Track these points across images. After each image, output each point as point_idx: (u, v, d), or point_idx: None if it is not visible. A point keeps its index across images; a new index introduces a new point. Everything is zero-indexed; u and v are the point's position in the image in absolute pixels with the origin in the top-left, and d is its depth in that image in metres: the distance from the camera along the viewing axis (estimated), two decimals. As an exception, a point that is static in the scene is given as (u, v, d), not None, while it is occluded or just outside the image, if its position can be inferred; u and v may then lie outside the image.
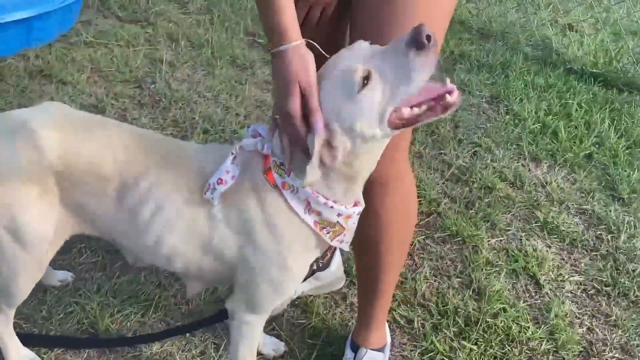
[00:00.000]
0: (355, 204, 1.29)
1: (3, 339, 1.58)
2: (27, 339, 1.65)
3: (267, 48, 1.21)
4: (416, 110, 1.12)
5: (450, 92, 1.12)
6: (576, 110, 3.20)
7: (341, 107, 1.13)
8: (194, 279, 1.43)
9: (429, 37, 1.05)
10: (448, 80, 1.13)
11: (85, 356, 1.69)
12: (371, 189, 1.37)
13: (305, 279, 1.45)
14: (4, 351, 1.59)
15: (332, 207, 1.23)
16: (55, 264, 1.90)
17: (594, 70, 3.58)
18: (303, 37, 1.17)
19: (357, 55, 1.15)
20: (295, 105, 1.13)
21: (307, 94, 1.13)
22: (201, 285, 1.47)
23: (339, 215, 1.25)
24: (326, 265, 1.94)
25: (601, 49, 3.86)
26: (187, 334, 1.79)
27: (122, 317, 1.81)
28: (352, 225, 1.29)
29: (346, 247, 1.34)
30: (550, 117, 3.11)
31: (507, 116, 3.10)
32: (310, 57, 1.16)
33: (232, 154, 1.25)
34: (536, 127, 3.02)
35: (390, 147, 1.25)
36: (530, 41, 3.97)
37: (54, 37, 3.06)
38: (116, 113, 2.67)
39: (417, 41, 1.06)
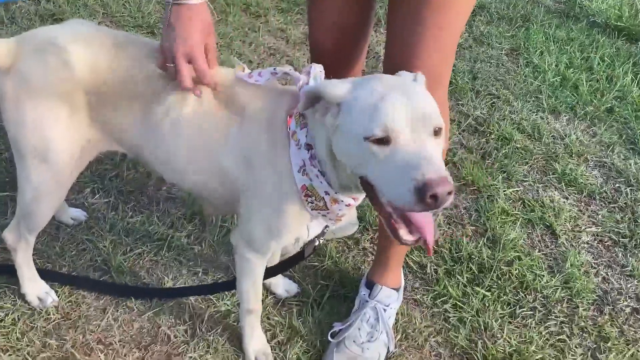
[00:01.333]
0: (353, 198, 1.27)
1: (22, 268, 1.59)
2: (45, 275, 1.66)
3: None
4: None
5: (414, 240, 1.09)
6: (598, 64, 3.11)
7: (349, 126, 1.09)
8: (205, 201, 1.43)
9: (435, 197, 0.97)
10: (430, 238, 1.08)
11: (96, 293, 1.70)
12: None
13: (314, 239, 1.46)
14: (20, 280, 1.61)
15: (321, 182, 1.21)
16: (68, 203, 1.90)
17: (618, 24, 3.46)
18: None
19: (396, 106, 1.05)
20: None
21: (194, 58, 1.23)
22: (213, 209, 1.48)
23: (326, 193, 1.22)
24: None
25: (626, 2, 3.73)
26: (200, 274, 1.79)
27: (135, 256, 1.81)
28: (337, 210, 1.26)
29: (329, 223, 1.34)
30: (571, 70, 3.03)
31: (527, 69, 3.03)
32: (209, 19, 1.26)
33: (274, 71, 1.27)
34: (556, 80, 2.94)
35: (429, 76, 1.23)
36: (553, -6, 3.86)
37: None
38: (128, 58, 2.63)
39: (423, 199, 0.98)
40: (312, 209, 1.27)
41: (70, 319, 1.62)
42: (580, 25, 3.47)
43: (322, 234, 1.46)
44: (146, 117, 1.32)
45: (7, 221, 1.81)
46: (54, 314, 1.62)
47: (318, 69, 1.25)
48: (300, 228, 1.36)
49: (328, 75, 1.57)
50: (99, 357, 1.55)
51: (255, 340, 1.57)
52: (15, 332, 1.56)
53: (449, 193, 0.98)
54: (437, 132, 1.06)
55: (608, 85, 2.96)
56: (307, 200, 1.25)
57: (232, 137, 1.28)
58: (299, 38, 2.96)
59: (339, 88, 1.12)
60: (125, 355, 1.56)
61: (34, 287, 1.63)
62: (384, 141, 1.03)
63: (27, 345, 1.54)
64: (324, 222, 1.35)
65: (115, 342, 1.59)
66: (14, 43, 1.32)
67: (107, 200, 1.98)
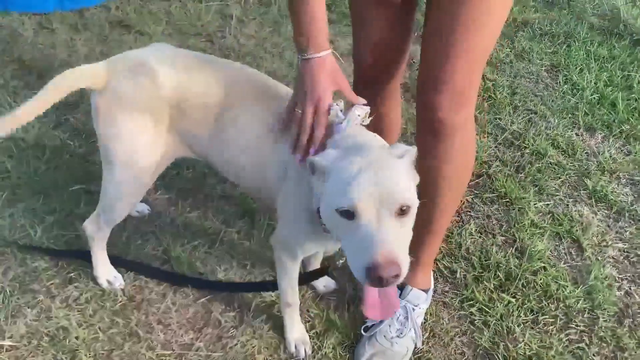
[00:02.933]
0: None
1: (97, 253, 1.81)
2: (114, 261, 1.88)
3: (298, 49, 1.40)
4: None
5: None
6: (638, 82, 3.18)
7: (327, 194, 1.22)
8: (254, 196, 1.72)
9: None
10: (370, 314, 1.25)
11: (156, 280, 1.91)
12: (435, 139, 1.51)
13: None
14: (94, 264, 1.83)
15: None
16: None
17: (663, 43, 3.51)
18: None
19: (364, 186, 1.16)
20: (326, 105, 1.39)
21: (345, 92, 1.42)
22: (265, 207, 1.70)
23: None
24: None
25: (671, 21, 3.76)
26: (248, 266, 1.98)
27: (192, 248, 2.02)
28: None
29: None
30: (609, 88, 3.10)
31: (565, 85, 3.12)
32: (335, 66, 1.39)
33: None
34: (594, 97, 3.03)
35: (455, 100, 1.40)
36: (597, 11, 3.90)
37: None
38: (188, 64, 2.86)
39: (370, 278, 1.10)
40: (324, 230, 1.38)
41: (135, 301, 1.83)
42: (623, 43, 3.53)
43: None
44: (215, 128, 1.52)
45: (81, 210, 2.05)
46: (120, 296, 1.83)
47: (357, 113, 1.39)
48: (320, 242, 1.52)
49: (371, 87, 1.75)
50: (159, 335, 1.75)
51: (295, 330, 1.76)
52: (88, 310, 1.79)
53: (396, 276, 1.09)
54: (404, 212, 1.16)
55: (646, 105, 3.03)
56: (321, 223, 1.35)
57: (277, 152, 1.47)
58: (347, 49, 3.12)
59: (326, 158, 1.26)
60: (181, 336, 1.77)
61: (105, 272, 1.85)
62: (350, 215, 1.15)
63: (99, 322, 1.76)
64: None
65: (173, 324, 1.79)
66: (104, 65, 1.52)
67: (168, 196, 2.19)
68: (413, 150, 1.29)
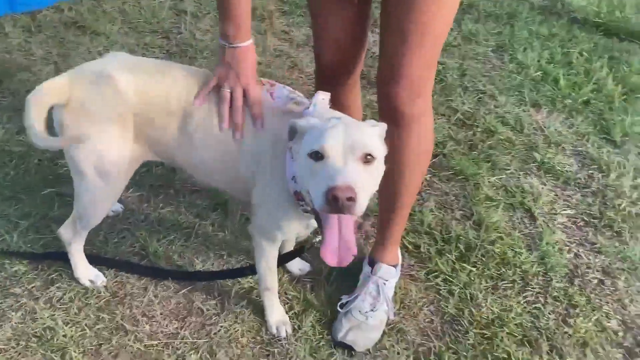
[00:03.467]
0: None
1: (75, 256, 1.86)
2: (94, 260, 1.93)
3: (222, 37, 1.54)
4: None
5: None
6: (577, 58, 3.38)
7: (303, 147, 1.35)
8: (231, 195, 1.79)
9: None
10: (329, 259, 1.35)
11: (137, 275, 1.98)
12: (395, 129, 1.62)
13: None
14: (74, 267, 1.88)
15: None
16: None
17: (597, 20, 3.73)
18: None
19: (333, 134, 1.31)
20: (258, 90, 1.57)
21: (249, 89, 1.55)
22: (238, 201, 1.79)
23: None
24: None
25: (605, -2, 4.00)
26: (225, 256, 2.07)
27: (168, 242, 2.09)
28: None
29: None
30: (552, 65, 3.30)
31: (511, 64, 3.29)
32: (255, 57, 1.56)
33: (291, 97, 1.57)
34: (538, 75, 3.22)
35: (411, 91, 1.52)
36: (537, -9, 4.11)
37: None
38: (147, 62, 2.89)
39: (328, 201, 1.21)
40: (304, 212, 1.53)
41: (118, 297, 1.90)
42: (562, 21, 3.74)
43: None
44: (180, 132, 1.59)
45: (55, 213, 2.09)
46: (103, 293, 1.90)
47: (321, 97, 1.52)
48: (298, 224, 1.63)
49: (332, 80, 1.85)
50: (145, 327, 1.83)
51: (275, 312, 1.86)
52: (73, 308, 1.84)
53: (349, 199, 1.20)
54: (368, 160, 1.30)
55: (585, 79, 3.23)
56: (299, 204, 1.51)
57: (246, 145, 1.57)
58: (302, 40, 3.21)
59: (307, 120, 1.40)
60: (166, 326, 1.84)
61: (86, 272, 1.90)
62: (319, 157, 1.29)
63: (84, 319, 1.82)
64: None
65: (157, 315, 1.87)
66: (67, 79, 1.55)
67: (139, 194, 2.25)
68: (383, 125, 1.44)
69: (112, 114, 1.55)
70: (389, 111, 1.63)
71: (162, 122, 1.58)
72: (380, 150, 1.37)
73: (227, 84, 1.55)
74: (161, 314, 1.88)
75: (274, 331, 1.85)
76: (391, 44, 1.59)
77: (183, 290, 1.94)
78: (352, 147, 1.29)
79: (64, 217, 1.99)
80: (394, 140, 1.63)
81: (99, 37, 2.98)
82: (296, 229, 1.67)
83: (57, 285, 1.90)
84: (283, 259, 1.92)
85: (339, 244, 1.34)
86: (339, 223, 1.32)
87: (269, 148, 1.55)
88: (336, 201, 1.21)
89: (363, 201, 1.25)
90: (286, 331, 1.85)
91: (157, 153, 1.68)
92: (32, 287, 1.89)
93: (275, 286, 1.83)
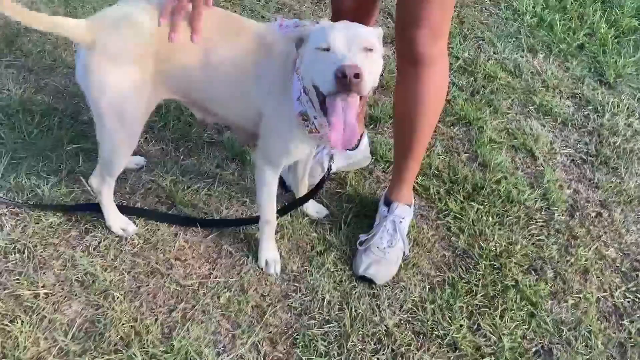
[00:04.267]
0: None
1: (106, 205, 1.97)
2: (122, 209, 2.04)
3: None
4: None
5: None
6: (571, 3, 3.46)
7: (309, 45, 1.52)
8: (239, 130, 1.89)
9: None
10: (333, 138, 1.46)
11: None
12: (415, 69, 1.71)
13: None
14: (106, 216, 1.99)
15: (310, 108, 1.59)
16: (129, 150, 2.26)
17: (590, -36, 3.79)
18: None
19: (337, 30, 1.49)
20: None
21: None
22: (245, 136, 1.91)
23: (315, 117, 1.60)
24: (356, 146, 2.31)
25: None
26: (247, 203, 2.18)
27: (192, 191, 2.19)
28: (325, 132, 1.62)
29: (322, 143, 1.76)
30: (547, 11, 3.37)
31: (508, 11, 3.37)
32: None
33: (297, 24, 1.64)
34: (534, 21, 3.30)
35: (431, 34, 1.62)
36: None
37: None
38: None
39: (338, 78, 1.36)
40: (308, 132, 1.65)
41: (151, 243, 2.01)
42: (555, -34, 3.79)
43: (331, 161, 1.97)
44: (197, 69, 1.67)
45: (81, 167, 2.18)
46: (137, 240, 2.01)
47: (325, 21, 1.62)
48: (304, 146, 1.77)
49: None
50: (179, 270, 1.95)
51: (270, 248, 1.98)
52: (109, 255, 1.96)
53: (356, 75, 1.34)
54: (370, 50, 1.46)
55: (579, 24, 3.32)
56: (303, 124, 1.64)
57: (260, 69, 1.67)
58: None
59: (312, 26, 1.55)
60: (199, 268, 1.97)
61: (117, 221, 2.01)
62: (326, 49, 1.44)
63: (121, 264, 1.94)
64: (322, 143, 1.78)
65: (189, 258, 1.99)
66: (89, 22, 1.63)
67: (160, 147, 2.34)
68: (380, 29, 1.60)
69: (134, 55, 1.63)
70: (409, 54, 1.72)
71: (181, 59, 1.66)
72: (378, 47, 1.52)
73: None
74: (193, 257, 2.00)
75: (263, 265, 1.97)
76: None
77: (211, 235, 2.06)
78: (354, 39, 1.45)
79: (89, 170, 2.08)
80: (413, 81, 1.73)
81: (103, -5, 3.00)
82: (302, 151, 1.80)
83: (92, 234, 2.01)
84: (297, 203, 2.03)
85: (344, 128, 1.45)
86: (343, 109, 1.44)
87: (279, 70, 1.65)
88: (345, 78, 1.35)
89: (367, 82, 1.41)
90: (275, 269, 1.97)
91: (175, 91, 1.76)
92: (69, 237, 2.00)
93: (274, 219, 1.94)
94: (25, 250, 1.93)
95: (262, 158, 1.80)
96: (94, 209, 2.02)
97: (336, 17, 1.95)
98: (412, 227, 2.18)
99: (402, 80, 1.57)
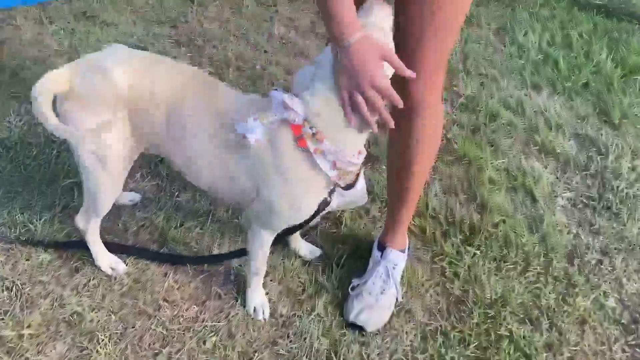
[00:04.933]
0: (360, 152, 1.62)
1: (93, 245, 1.96)
2: (111, 247, 2.03)
3: (332, 39, 1.44)
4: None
5: None
6: (577, 40, 3.44)
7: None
8: (218, 199, 1.86)
9: None
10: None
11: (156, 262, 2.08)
12: (408, 116, 1.70)
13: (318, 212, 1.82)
14: (94, 255, 1.98)
15: (350, 161, 1.56)
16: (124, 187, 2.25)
17: (597, 2, 3.77)
18: None
19: None
20: (386, 80, 1.45)
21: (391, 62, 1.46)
22: (225, 203, 1.87)
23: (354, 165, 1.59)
24: (352, 185, 2.28)
25: (606, -22, 4.03)
26: (239, 242, 2.16)
27: (185, 229, 2.18)
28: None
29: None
30: (552, 47, 3.36)
31: (512, 47, 3.35)
32: (375, 40, 1.45)
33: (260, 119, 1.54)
34: (538, 57, 3.28)
35: (427, 79, 1.60)
36: (538, -29, 4.13)
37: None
38: (157, 52, 2.95)
39: None
40: (343, 184, 1.62)
41: (140, 282, 2.00)
42: (562, 3, 3.78)
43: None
44: (171, 128, 1.66)
45: (75, 204, 2.18)
46: (126, 279, 1.99)
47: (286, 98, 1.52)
48: (312, 211, 1.71)
49: None
50: (166, 311, 1.93)
51: (258, 295, 1.95)
52: (98, 294, 1.94)
53: None
54: None
55: (585, 61, 3.29)
56: (340, 181, 1.60)
57: (245, 160, 1.60)
58: (308, 27, 3.27)
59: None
60: (186, 310, 1.95)
61: (105, 259, 2.00)
62: None
63: (109, 304, 1.92)
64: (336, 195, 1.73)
65: (178, 299, 1.97)
66: (67, 70, 1.65)
67: (155, 182, 2.34)
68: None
69: (105, 102, 1.63)
70: (403, 99, 1.70)
71: (149, 114, 1.65)
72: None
73: (355, 90, 1.45)
74: (181, 298, 1.98)
75: (251, 312, 1.94)
76: (407, 35, 1.64)
77: (201, 276, 2.04)
78: None
79: (84, 207, 2.08)
80: (407, 128, 1.71)
81: (108, 28, 3.04)
82: (312, 206, 1.68)
83: (81, 272, 2.00)
84: (285, 234, 1.98)
85: None
86: None
87: (271, 156, 1.57)
88: None
89: None
90: (264, 313, 1.94)
91: (152, 148, 1.76)
92: (58, 275, 1.99)
93: (264, 270, 1.91)
94: (14, 288, 1.92)
95: (260, 224, 1.75)
96: (84, 246, 2.02)
97: None
98: (406, 269, 2.14)
99: (396, 127, 1.56)
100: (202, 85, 1.69)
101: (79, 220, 1.93)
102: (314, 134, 1.52)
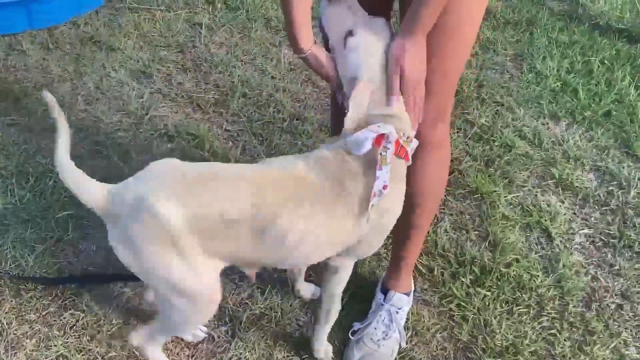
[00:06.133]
0: None
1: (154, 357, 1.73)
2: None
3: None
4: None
5: None
6: (598, 67, 3.30)
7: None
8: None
9: None
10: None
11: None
12: (415, 154, 1.60)
13: None
14: None
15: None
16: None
17: (619, 26, 3.64)
18: None
19: None
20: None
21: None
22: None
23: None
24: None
25: (628, 1, 3.89)
26: (237, 280, 2.07)
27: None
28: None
29: None
30: (571, 75, 3.22)
31: (530, 74, 3.23)
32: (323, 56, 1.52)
33: (381, 163, 1.40)
34: (557, 85, 3.15)
35: (433, 116, 1.53)
36: (557, -5, 4.02)
37: (101, 3, 3.27)
38: (162, 77, 2.90)
39: None
40: None
41: (129, 324, 1.91)
42: (582, 27, 3.64)
43: None
44: (260, 238, 1.42)
45: (69, 237, 2.11)
46: (116, 320, 1.91)
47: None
48: None
49: None
50: (156, 355, 1.84)
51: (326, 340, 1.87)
52: (86, 336, 1.86)
53: None
54: None
55: (606, 89, 3.15)
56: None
57: (360, 223, 1.48)
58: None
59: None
60: (177, 354, 1.85)
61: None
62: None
63: (96, 347, 1.84)
64: None
65: (169, 343, 1.88)
66: (106, 193, 1.41)
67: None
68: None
69: (160, 240, 1.37)
70: None
71: (227, 233, 1.40)
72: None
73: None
74: (172, 341, 1.88)
75: (322, 356, 1.87)
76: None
77: (194, 317, 1.95)
78: None
79: (79, 239, 2.02)
80: (412, 167, 1.61)
81: (114, 53, 2.99)
82: None
83: (70, 311, 1.92)
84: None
85: None
86: None
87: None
88: None
89: None
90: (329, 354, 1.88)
91: (236, 261, 1.53)
92: (46, 314, 1.91)
93: None
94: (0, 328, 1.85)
95: (358, 256, 1.67)
96: (77, 282, 1.95)
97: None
98: (411, 313, 2.03)
99: None
100: (281, 186, 1.44)
101: (138, 338, 1.66)
102: (407, 138, 1.48)
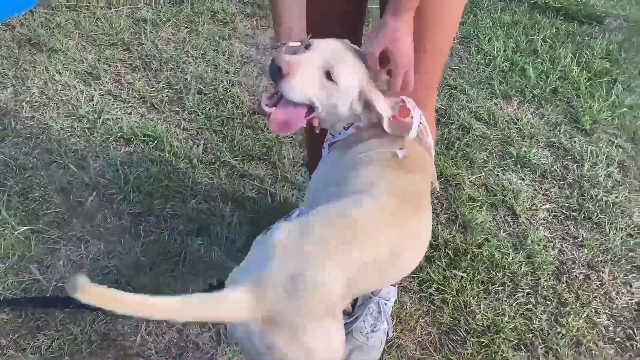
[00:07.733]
0: None
1: None
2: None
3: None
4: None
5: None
6: (541, 45, 3.41)
7: None
8: None
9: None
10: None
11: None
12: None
13: None
14: None
15: None
16: (84, 232, 2.08)
17: (556, 4, 3.76)
18: None
19: None
20: None
21: None
22: None
23: None
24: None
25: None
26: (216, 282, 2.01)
27: (154, 275, 2.02)
28: None
29: None
30: (518, 54, 3.31)
31: (478, 56, 3.30)
32: None
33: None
34: (505, 65, 3.23)
35: (421, 95, 1.54)
36: (495, -24, 4.10)
37: (34, 2, 3.08)
38: (111, 78, 2.77)
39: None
40: None
41: (109, 339, 1.83)
42: (522, 7, 3.75)
43: None
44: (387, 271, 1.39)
45: (32, 253, 2.00)
46: (94, 336, 1.83)
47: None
48: None
49: None
50: (141, 369, 1.78)
51: None
52: (64, 356, 1.77)
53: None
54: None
55: (551, 67, 3.26)
56: None
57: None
58: (267, 43, 3.13)
59: None
60: (163, 365, 1.80)
61: None
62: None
63: (76, 367, 1.76)
64: None
65: (153, 354, 1.81)
66: (249, 294, 1.18)
67: (119, 223, 2.17)
68: None
69: (321, 310, 1.23)
70: None
71: (374, 274, 1.34)
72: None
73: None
74: (156, 352, 1.82)
75: None
76: None
77: (176, 325, 1.89)
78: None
79: (42, 255, 1.91)
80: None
81: (56, 55, 2.84)
82: None
83: (43, 332, 1.82)
84: None
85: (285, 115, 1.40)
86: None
87: None
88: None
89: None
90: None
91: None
92: (18, 337, 1.80)
93: None
94: (-32, 357, 1.74)
95: None
96: (45, 302, 1.85)
97: None
98: (394, 302, 2.04)
99: None
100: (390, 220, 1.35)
101: None
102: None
